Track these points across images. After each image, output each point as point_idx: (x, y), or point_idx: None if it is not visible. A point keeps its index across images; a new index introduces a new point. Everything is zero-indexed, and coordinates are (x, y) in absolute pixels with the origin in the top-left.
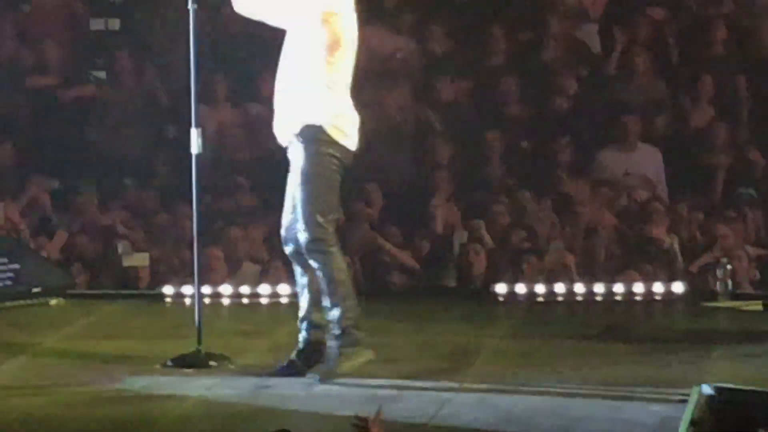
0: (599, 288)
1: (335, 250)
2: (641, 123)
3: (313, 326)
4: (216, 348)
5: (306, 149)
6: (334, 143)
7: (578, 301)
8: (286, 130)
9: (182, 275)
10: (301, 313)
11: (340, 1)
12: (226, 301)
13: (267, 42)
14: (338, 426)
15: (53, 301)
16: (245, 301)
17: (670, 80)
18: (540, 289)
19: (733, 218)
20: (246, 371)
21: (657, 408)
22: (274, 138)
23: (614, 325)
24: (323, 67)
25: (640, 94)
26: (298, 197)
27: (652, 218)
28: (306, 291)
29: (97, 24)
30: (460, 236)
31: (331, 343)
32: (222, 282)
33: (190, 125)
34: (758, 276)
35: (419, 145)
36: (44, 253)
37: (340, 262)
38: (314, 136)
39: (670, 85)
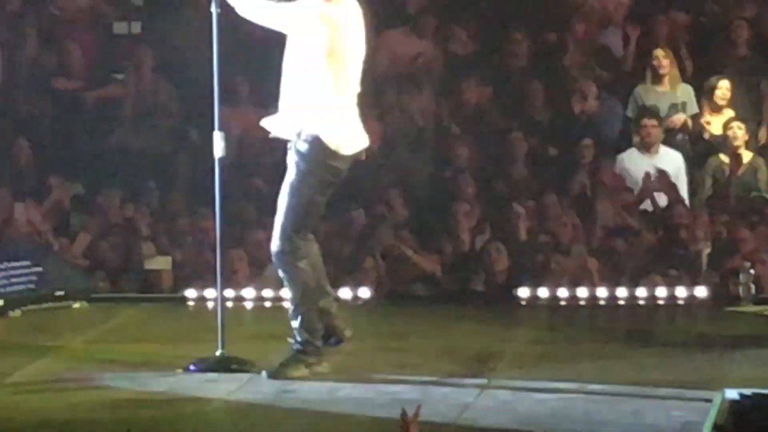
0: (622, 292)
1: (303, 264)
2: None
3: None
4: (238, 352)
5: (298, 163)
6: (330, 153)
7: (601, 305)
8: (286, 130)
9: (205, 278)
10: None
11: (340, 9)
12: (248, 305)
13: None
14: (360, 429)
15: (76, 305)
16: (268, 304)
17: (692, 83)
18: (563, 293)
19: (756, 222)
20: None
21: (680, 412)
22: None
23: (637, 329)
24: (322, 73)
25: (662, 98)
26: (279, 206)
27: (674, 222)
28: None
29: (120, 27)
30: (483, 240)
31: (294, 347)
32: (245, 285)
33: (213, 128)
34: None
35: (442, 148)
36: (66, 256)
37: (306, 275)
38: (309, 148)
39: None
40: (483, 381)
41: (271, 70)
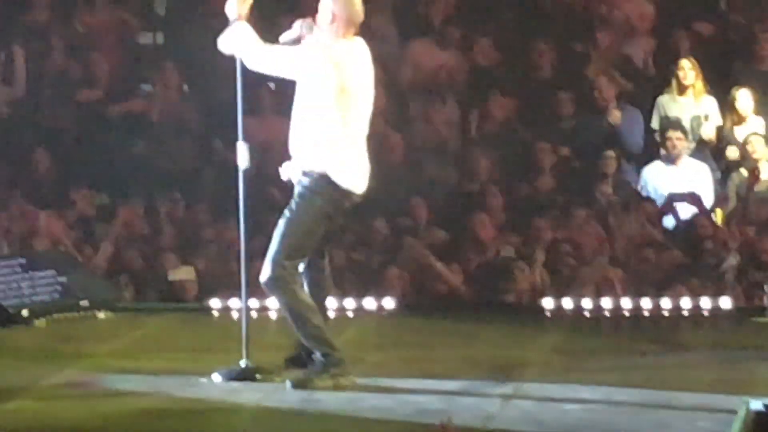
0: (646, 303)
1: (295, 287)
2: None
3: None
4: (263, 361)
5: (301, 193)
6: (337, 188)
7: (625, 316)
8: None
9: (230, 288)
10: None
11: (347, 49)
12: (273, 315)
13: None
14: None
15: (101, 314)
16: None
17: (716, 95)
18: (587, 303)
19: None
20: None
21: (704, 423)
22: None
23: (661, 339)
24: (330, 114)
25: (685, 109)
26: (275, 234)
27: (699, 233)
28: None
29: (145, 38)
30: (507, 251)
31: (318, 359)
32: (269, 295)
33: (236, 139)
34: None
35: (466, 159)
36: (91, 266)
37: (301, 294)
38: (315, 183)
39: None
40: (508, 391)
41: (294, 81)
